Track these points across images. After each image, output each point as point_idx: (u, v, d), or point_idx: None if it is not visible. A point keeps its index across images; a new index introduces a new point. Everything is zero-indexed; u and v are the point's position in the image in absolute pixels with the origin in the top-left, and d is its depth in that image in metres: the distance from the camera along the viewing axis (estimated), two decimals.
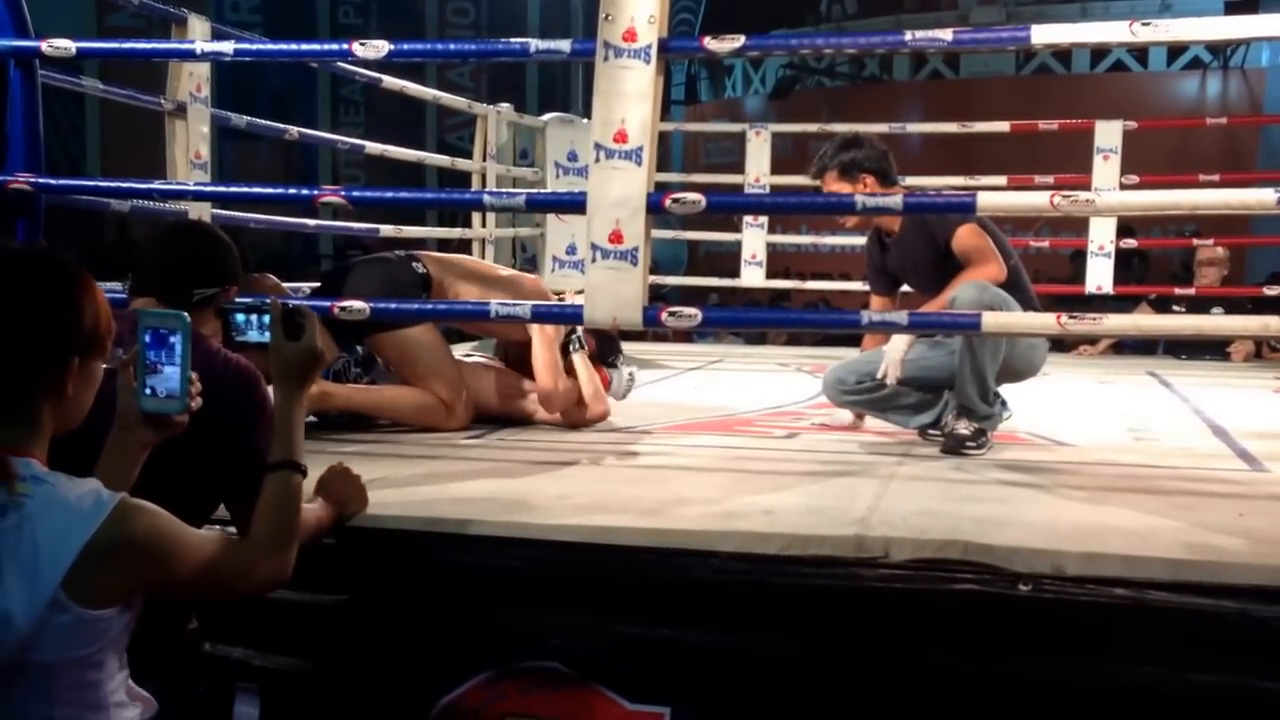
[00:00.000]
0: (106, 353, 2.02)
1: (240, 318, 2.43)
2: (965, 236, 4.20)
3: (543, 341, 4.43)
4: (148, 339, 2.14)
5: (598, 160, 3.45)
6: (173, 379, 2.14)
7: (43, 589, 1.80)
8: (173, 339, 2.14)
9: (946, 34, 3.40)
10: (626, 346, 6.08)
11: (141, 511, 1.91)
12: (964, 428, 4.01)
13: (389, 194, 4.28)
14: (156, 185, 4.37)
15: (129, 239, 15.89)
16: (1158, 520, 2.97)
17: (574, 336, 4.48)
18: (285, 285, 4.35)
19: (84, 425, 2.04)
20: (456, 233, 8.16)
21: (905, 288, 4.73)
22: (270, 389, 2.46)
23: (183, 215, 4.80)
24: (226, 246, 2.79)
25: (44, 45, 3.89)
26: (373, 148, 6.92)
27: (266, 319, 2.40)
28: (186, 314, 2.18)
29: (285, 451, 2.27)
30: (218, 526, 2.52)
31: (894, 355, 4.23)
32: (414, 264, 4.38)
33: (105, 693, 1.92)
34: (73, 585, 1.81)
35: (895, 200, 3.64)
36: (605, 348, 4.77)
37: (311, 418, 4.16)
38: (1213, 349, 7.52)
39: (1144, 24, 3.23)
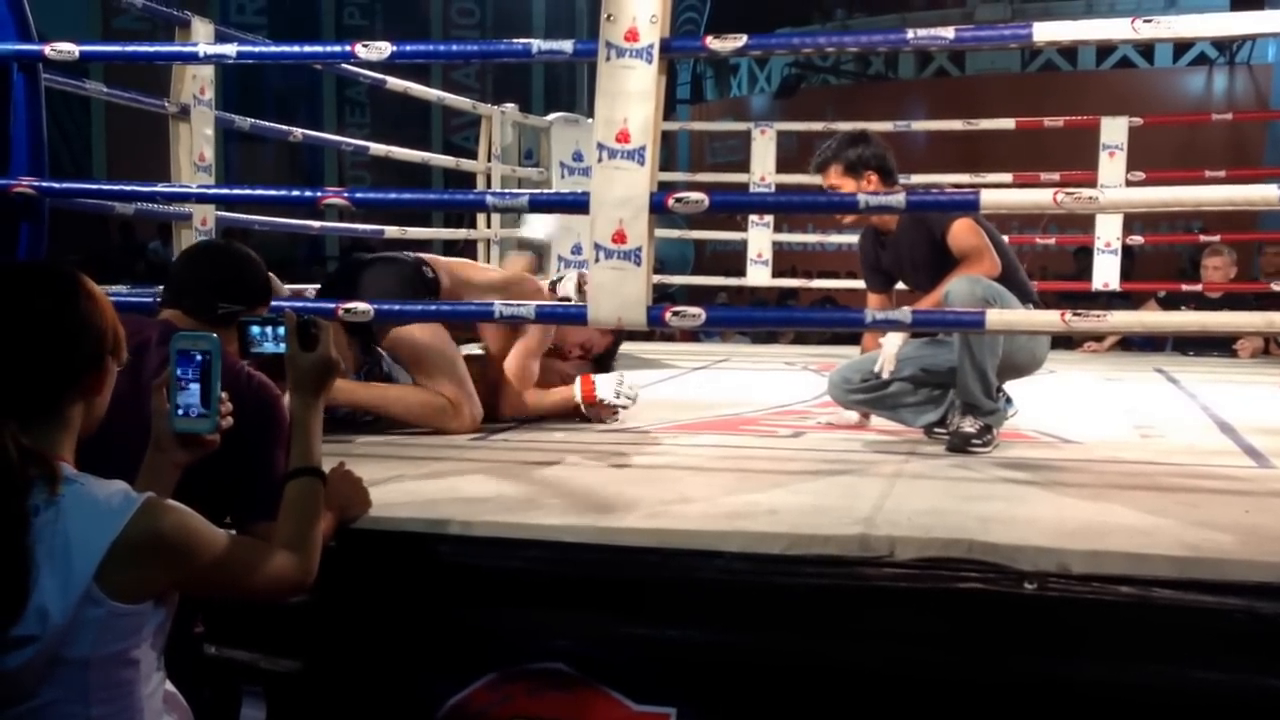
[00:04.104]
0: (123, 354, 2.09)
1: (256, 330, 2.47)
2: (959, 233, 4.20)
3: (521, 351, 4.47)
4: (179, 360, 2.20)
5: (600, 160, 3.45)
6: (203, 399, 2.21)
7: (76, 583, 1.84)
8: (204, 360, 2.21)
9: (949, 32, 3.40)
10: (633, 346, 6.09)
11: (168, 509, 1.97)
12: (969, 425, 4.01)
13: (392, 195, 4.28)
14: (160, 188, 4.37)
15: (133, 242, 15.94)
16: (1163, 518, 2.96)
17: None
18: (288, 288, 4.35)
19: (110, 445, 2.11)
20: (461, 233, 8.17)
21: (900, 285, 4.72)
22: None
23: (186, 218, 4.81)
24: (255, 266, 2.83)
25: (47, 49, 3.89)
26: (377, 149, 6.93)
27: (281, 331, 2.45)
28: (216, 335, 2.26)
29: (304, 458, 2.37)
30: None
31: (889, 349, 4.24)
32: (424, 268, 4.38)
33: (140, 695, 1.97)
34: (105, 579, 1.86)
35: (899, 199, 3.64)
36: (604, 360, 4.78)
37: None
38: (1220, 346, 7.50)
39: (1146, 21, 3.22)
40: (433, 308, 4.17)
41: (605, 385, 4.60)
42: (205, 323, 2.65)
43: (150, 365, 2.50)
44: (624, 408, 4.65)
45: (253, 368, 2.60)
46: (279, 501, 2.32)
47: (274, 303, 2.94)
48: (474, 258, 7.65)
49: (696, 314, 3.51)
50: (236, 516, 2.56)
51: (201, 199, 4.73)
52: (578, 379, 4.61)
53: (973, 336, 3.97)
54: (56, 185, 4.06)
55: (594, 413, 4.60)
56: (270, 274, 3.94)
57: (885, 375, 4.26)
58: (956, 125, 8.45)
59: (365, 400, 4.30)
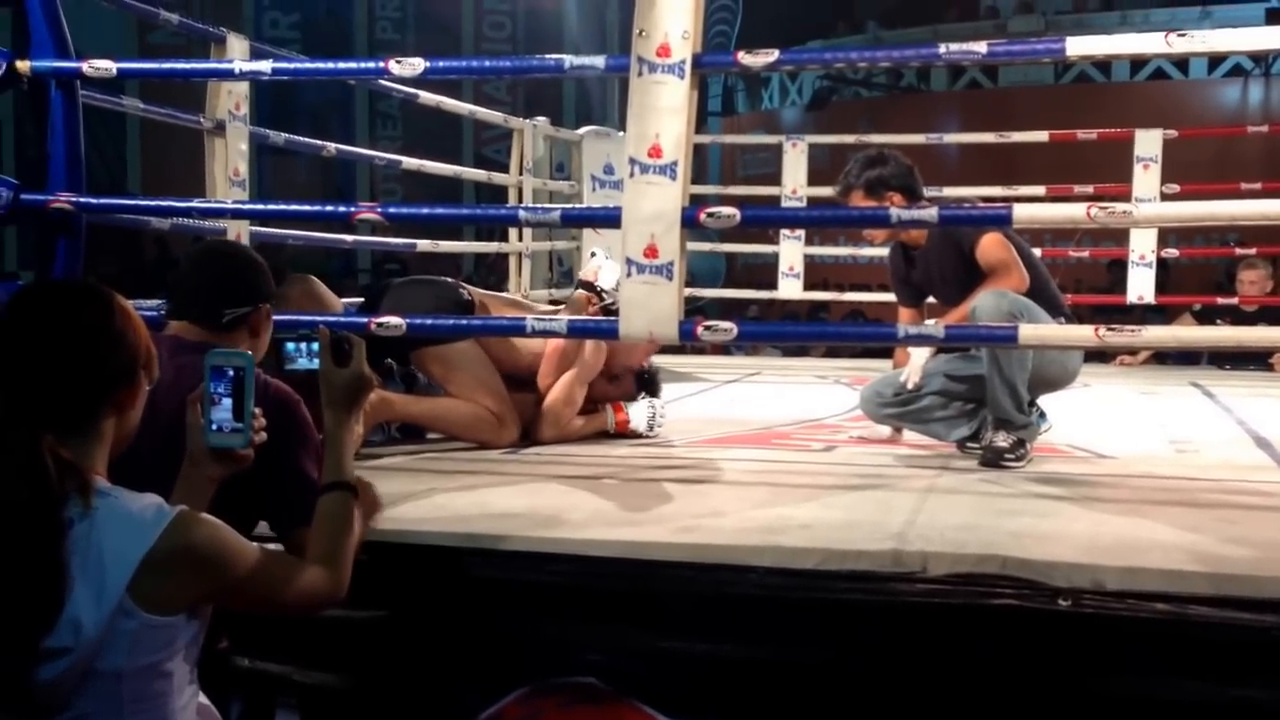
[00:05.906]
0: (154, 370, 2.12)
1: (290, 347, 2.50)
2: (988, 247, 4.18)
3: (569, 379, 4.40)
4: (213, 376, 2.24)
5: (632, 175, 3.45)
6: (237, 414, 2.25)
7: (109, 595, 1.87)
8: (237, 376, 2.24)
9: (981, 46, 3.39)
10: (664, 359, 6.08)
11: (201, 522, 1.99)
12: (1002, 440, 3.99)
13: (424, 210, 4.30)
14: (196, 204, 4.40)
15: (169, 256, 16.03)
16: (1199, 534, 2.94)
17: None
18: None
19: (126, 459, 2.11)
20: (493, 247, 8.19)
21: (930, 300, 4.70)
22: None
23: (220, 234, 4.83)
24: (256, 266, 2.81)
25: (85, 66, 3.93)
26: (409, 163, 6.96)
27: (315, 347, 2.47)
28: (249, 352, 2.30)
29: (337, 473, 2.37)
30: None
31: (917, 361, 4.24)
32: (461, 290, 4.38)
33: (174, 707, 1.99)
34: (137, 591, 1.88)
35: (931, 213, 3.62)
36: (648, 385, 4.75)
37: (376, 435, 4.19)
38: (1256, 359, 7.44)
39: (1179, 35, 3.20)
40: (464, 322, 4.17)
41: (639, 415, 4.59)
42: (212, 331, 2.66)
43: (163, 382, 2.49)
44: (655, 436, 4.64)
45: (285, 383, 2.61)
46: (313, 504, 2.34)
47: (308, 318, 2.95)
48: (505, 271, 7.67)
49: (728, 329, 3.51)
50: (273, 524, 2.57)
51: (236, 214, 4.75)
52: (609, 407, 4.59)
53: (1000, 351, 3.95)
54: (93, 201, 4.09)
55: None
56: (324, 286, 3.99)
57: (910, 387, 4.26)
58: (989, 138, 8.42)
59: (418, 415, 4.31)
